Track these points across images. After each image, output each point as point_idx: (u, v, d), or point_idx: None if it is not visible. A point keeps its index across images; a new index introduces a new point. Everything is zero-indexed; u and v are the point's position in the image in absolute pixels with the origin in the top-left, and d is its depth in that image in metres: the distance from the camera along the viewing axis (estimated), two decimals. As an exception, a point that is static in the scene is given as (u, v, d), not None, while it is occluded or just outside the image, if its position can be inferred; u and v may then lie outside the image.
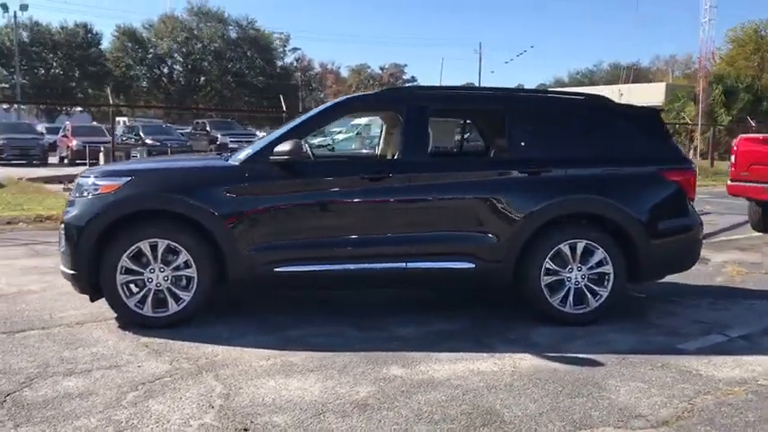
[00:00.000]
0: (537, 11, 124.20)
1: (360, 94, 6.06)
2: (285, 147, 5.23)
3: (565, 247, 5.50)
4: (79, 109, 58.73)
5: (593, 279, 5.59)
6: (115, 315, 5.37)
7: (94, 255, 5.16)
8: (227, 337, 5.10)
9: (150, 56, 60.29)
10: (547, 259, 5.49)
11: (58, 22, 58.14)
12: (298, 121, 5.81)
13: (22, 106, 50.53)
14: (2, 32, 52.99)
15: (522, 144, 5.57)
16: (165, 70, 60.41)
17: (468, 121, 7.27)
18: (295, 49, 68.56)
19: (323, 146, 18.88)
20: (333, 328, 5.38)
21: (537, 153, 5.58)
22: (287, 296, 6.30)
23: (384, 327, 5.45)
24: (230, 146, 29.74)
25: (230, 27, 59.57)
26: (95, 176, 5.44)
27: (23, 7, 50.13)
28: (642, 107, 6.57)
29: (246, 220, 5.22)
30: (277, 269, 5.29)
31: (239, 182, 5.24)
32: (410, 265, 5.40)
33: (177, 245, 5.19)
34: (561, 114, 5.78)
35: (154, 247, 5.19)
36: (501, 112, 5.73)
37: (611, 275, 5.56)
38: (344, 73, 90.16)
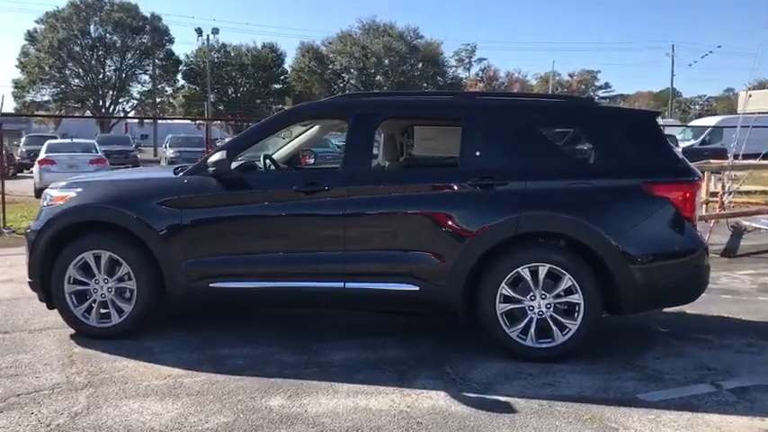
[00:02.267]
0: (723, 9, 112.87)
1: (306, 102, 5.69)
2: (212, 158, 5.05)
3: (525, 272, 4.79)
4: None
5: (561, 309, 4.81)
6: (75, 324, 5.48)
7: (47, 264, 5.30)
8: (154, 351, 5.00)
9: (329, 72, 63.05)
10: (503, 284, 4.80)
11: (245, 43, 62.43)
12: (244, 132, 5.59)
13: (214, 122, 54.96)
14: (196, 55, 58.06)
15: (478, 154, 4.93)
16: (342, 85, 62.82)
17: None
18: (481, 60, 68.44)
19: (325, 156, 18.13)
20: (267, 348, 5.09)
21: (494, 164, 4.90)
22: (251, 312, 6.07)
23: (321, 350, 5.06)
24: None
25: (399, 40, 60.55)
26: (54, 187, 5.61)
27: (215, 31, 54.62)
28: (636, 110, 5.57)
29: (181, 234, 5.09)
30: (212, 284, 5.11)
31: (175, 194, 5.14)
32: (348, 285, 4.97)
33: (118, 256, 5.19)
34: (530, 122, 5.01)
35: (98, 258, 5.22)
36: (457, 120, 5.12)
37: (582, 306, 4.74)
38: (532, 81, 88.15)
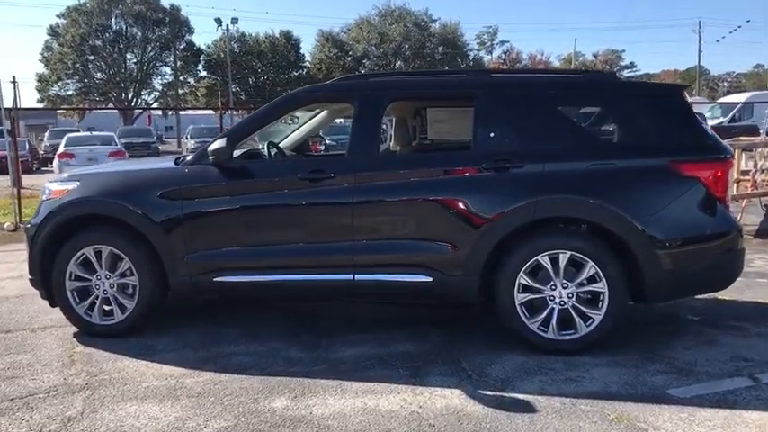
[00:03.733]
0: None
1: (309, 86, 5.40)
2: (212, 147, 4.82)
3: (545, 259, 4.49)
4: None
5: (584, 299, 4.52)
6: (78, 321, 5.30)
7: (47, 260, 5.12)
8: (158, 350, 4.80)
9: (349, 59, 62.63)
10: (521, 273, 4.51)
11: (264, 32, 62.19)
12: (245, 119, 5.32)
13: (234, 112, 55.02)
14: (216, 45, 57.99)
15: (492, 135, 4.63)
16: (362, 71, 62.35)
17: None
18: (503, 42, 67.40)
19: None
20: (275, 345, 4.86)
21: (509, 146, 4.60)
22: (258, 306, 5.83)
23: (331, 346, 4.82)
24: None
25: (416, 24, 59.84)
26: (53, 180, 5.42)
27: (234, 20, 54.45)
28: (662, 84, 5.19)
29: (182, 226, 4.87)
30: (216, 278, 4.88)
31: (176, 185, 4.91)
32: (358, 277, 4.71)
33: (119, 251, 4.99)
34: (547, 99, 4.68)
35: (99, 254, 5.03)
36: (470, 99, 4.82)
37: (606, 295, 4.44)
38: (556, 63, 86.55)
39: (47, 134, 34.45)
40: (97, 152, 18.16)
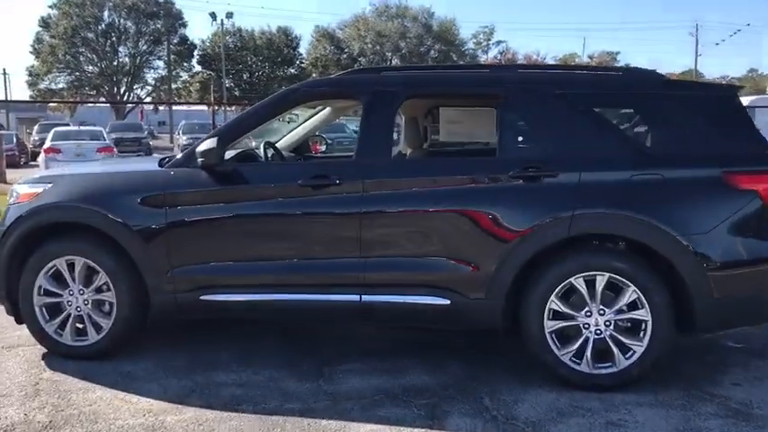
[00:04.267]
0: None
1: (311, 80, 4.78)
2: (200, 147, 4.24)
3: (579, 282, 3.93)
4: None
5: (623, 328, 3.96)
6: (48, 340, 4.70)
7: (13, 272, 4.53)
8: (137, 377, 4.23)
9: (345, 56, 62.00)
10: (552, 297, 3.95)
11: (260, 27, 61.50)
12: (238, 116, 4.72)
13: (229, 108, 54.48)
14: (211, 40, 57.29)
15: (521, 140, 4.08)
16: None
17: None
18: (499, 42, 66.76)
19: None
20: (270, 373, 4.28)
21: (540, 152, 4.05)
22: (253, 324, 5.22)
23: (334, 375, 4.25)
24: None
25: (413, 21, 59.20)
26: (22, 182, 4.83)
27: (229, 15, 53.81)
28: (714, 85, 4.60)
29: (166, 236, 4.29)
30: (204, 297, 4.31)
31: (159, 189, 4.32)
32: (366, 298, 4.15)
33: (94, 264, 4.40)
34: (584, 99, 4.12)
35: (71, 266, 4.45)
36: (495, 98, 4.26)
37: (649, 323, 3.88)
38: (551, 63, 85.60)
39: (36, 128, 33.76)
40: (85, 147, 17.55)
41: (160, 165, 4.62)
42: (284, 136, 5.82)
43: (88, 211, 4.37)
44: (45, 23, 53.00)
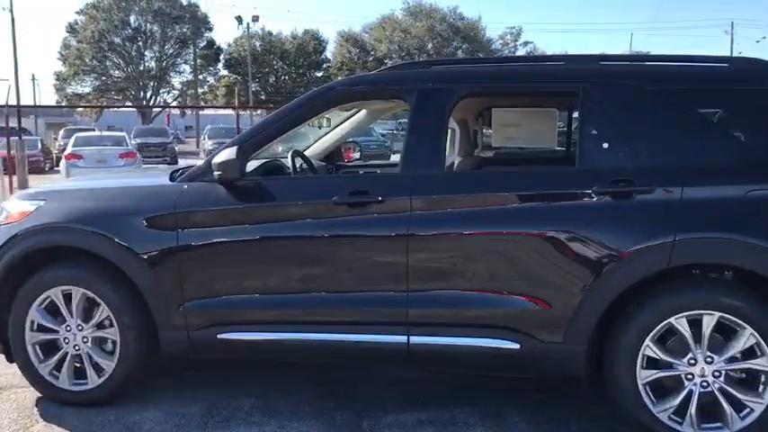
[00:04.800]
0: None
1: (348, 78, 4.03)
2: (217, 159, 3.55)
3: (681, 323, 3.18)
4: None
5: (737, 379, 3.21)
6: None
7: (2, 304, 3.90)
8: (144, 428, 3.57)
9: (371, 59, 61.44)
10: (648, 341, 3.21)
11: (288, 31, 61.19)
12: (262, 121, 4.00)
13: (255, 112, 54.27)
14: (237, 43, 57.05)
15: (606, 147, 3.33)
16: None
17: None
18: (527, 43, 65.62)
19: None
20: (299, 426, 3.58)
21: (630, 161, 3.29)
22: (272, 363, 4.51)
23: (375, 430, 3.53)
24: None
25: (442, 22, 58.50)
26: (13, 198, 4.20)
27: (255, 18, 53.46)
28: None
29: (178, 264, 3.62)
30: (222, 335, 3.63)
31: (169, 208, 3.65)
32: (415, 339, 3.44)
33: (95, 295, 3.75)
34: (682, 96, 3.36)
35: (68, 297, 3.80)
36: (571, 95, 3.52)
37: (772, 375, 3.12)
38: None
39: (61, 132, 33.52)
40: (107, 153, 17.04)
41: (171, 178, 3.95)
42: (313, 142, 5.13)
43: (87, 234, 3.71)
44: (72, 29, 53.07)
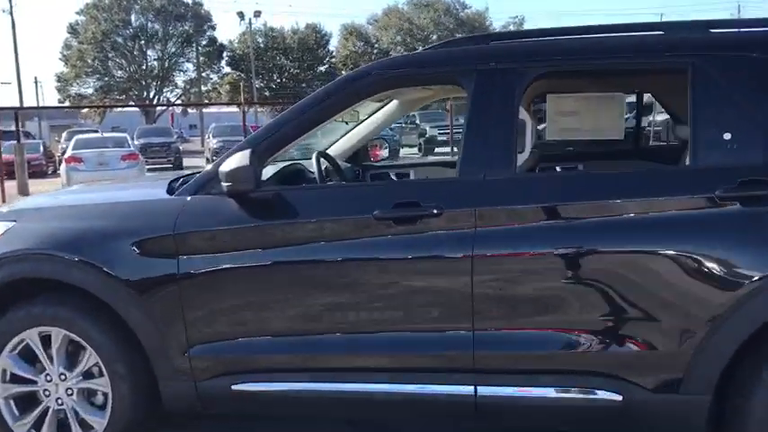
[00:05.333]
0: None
1: (385, 60, 3.25)
2: (226, 166, 2.81)
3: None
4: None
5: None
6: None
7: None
8: None
9: (375, 51, 60.69)
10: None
11: (289, 26, 60.44)
12: (279, 118, 3.22)
13: (260, 108, 53.60)
14: (240, 40, 56.30)
15: (728, 138, 2.57)
16: (390, 60, 60.38)
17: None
18: (532, 32, 64.51)
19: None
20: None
21: (762, 155, 2.54)
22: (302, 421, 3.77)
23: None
24: (438, 138, 27.87)
25: (446, 13, 57.66)
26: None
27: (257, 14, 52.71)
28: None
29: (179, 298, 2.89)
30: (238, 386, 2.90)
31: (167, 229, 2.91)
32: (484, 390, 2.69)
33: (79, 337, 3.03)
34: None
35: (47, 340, 3.08)
36: (677, 72, 2.75)
37: None
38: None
39: (64, 135, 32.89)
40: (108, 156, 16.31)
41: (170, 190, 3.20)
42: (337, 139, 4.39)
43: (68, 263, 2.99)
44: (73, 30, 52.42)
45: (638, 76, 3.54)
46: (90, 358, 3.04)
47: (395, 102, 4.22)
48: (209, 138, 30.08)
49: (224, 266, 2.86)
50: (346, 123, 4.19)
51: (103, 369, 3.02)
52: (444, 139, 27.62)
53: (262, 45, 56.94)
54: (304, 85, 59.30)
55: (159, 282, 2.91)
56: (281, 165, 3.54)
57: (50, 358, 3.08)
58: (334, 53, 60.52)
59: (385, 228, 2.73)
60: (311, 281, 2.82)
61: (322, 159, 3.56)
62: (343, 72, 58.63)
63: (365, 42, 60.42)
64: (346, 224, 2.79)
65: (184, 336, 2.91)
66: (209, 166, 3.11)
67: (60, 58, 52.87)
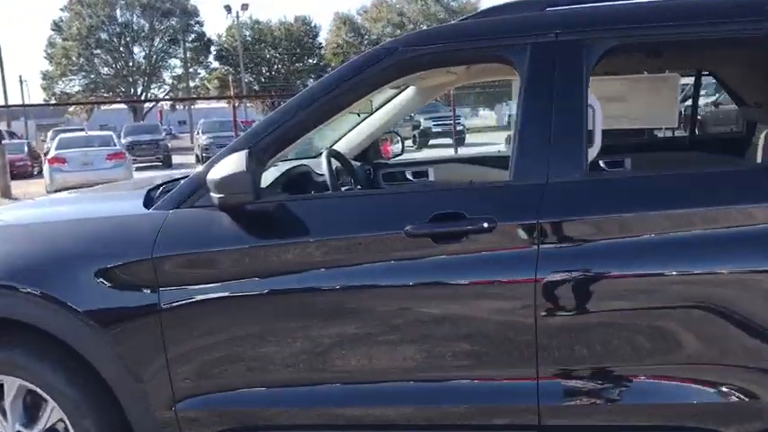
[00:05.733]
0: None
1: (411, 34, 2.60)
2: (217, 172, 2.19)
3: None
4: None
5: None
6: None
7: None
8: None
9: (366, 42, 60.03)
10: None
11: (277, 18, 59.62)
12: (278, 112, 2.48)
13: (249, 103, 52.79)
14: (227, 34, 55.48)
15: None
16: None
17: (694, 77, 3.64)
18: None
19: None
20: None
21: None
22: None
23: None
24: (433, 130, 27.22)
25: (436, 3, 57.01)
26: None
27: (244, 7, 51.71)
28: None
29: (161, 339, 2.29)
30: (236, 447, 2.30)
31: (144, 253, 2.30)
32: (552, 453, 2.12)
33: (39, 388, 2.43)
34: None
35: (-1, 391, 2.48)
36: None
37: None
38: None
39: (49, 134, 32.12)
40: (93, 155, 15.62)
41: (148, 201, 2.59)
42: (344, 134, 3.78)
43: (21, 297, 2.38)
44: (57, 26, 51.47)
45: (723, 49, 2.87)
46: (53, 413, 2.45)
47: (412, 89, 3.63)
48: (198, 134, 29.39)
49: (217, 299, 2.26)
50: (358, 115, 3.59)
51: (69, 427, 2.43)
52: (439, 131, 26.97)
53: (250, 38, 56.16)
54: (293, 77, 58.63)
55: (136, 319, 2.31)
56: (282, 165, 2.93)
57: (3, 412, 2.49)
58: (323, 44, 59.82)
59: (420, 247, 2.14)
60: (325, 315, 2.22)
61: (333, 159, 2.93)
62: (332, 64, 57.92)
63: (356, 33, 59.74)
64: (371, 243, 2.19)
65: (169, 385, 2.31)
66: (197, 169, 2.49)
67: (45, 56, 51.93)
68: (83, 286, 2.32)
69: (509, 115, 34.73)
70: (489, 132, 30.69)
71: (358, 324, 2.21)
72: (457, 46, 2.37)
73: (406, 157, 4.44)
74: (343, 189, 2.70)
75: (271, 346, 2.26)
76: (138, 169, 21.17)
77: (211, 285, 2.26)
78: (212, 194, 2.21)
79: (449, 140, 23.87)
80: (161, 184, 2.90)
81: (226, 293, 2.25)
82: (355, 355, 2.22)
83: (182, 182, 2.54)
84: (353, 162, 3.61)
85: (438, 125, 26.86)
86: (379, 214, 2.26)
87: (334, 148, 3.16)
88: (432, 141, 26.97)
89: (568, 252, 2.07)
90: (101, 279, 2.31)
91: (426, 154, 16.82)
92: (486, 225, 2.08)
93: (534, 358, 2.07)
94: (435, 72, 3.09)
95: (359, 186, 2.85)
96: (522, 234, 2.08)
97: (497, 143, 21.22)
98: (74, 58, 50.81)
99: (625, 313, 2.07)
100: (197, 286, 2.27)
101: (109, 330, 2.31)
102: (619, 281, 2.05)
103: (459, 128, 22.03)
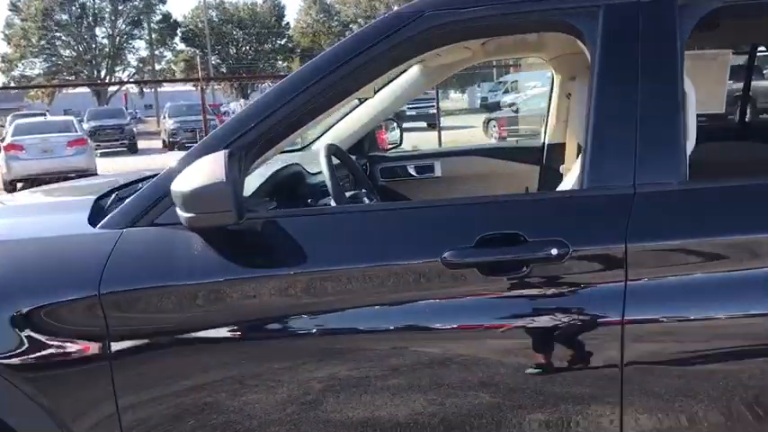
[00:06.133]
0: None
1: None
2: (182, 186, 1.60)
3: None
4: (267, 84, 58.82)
5: None
6: None
7: None
8: None
9: (336, 24, 59.17)
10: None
11: (244, -1, 58.25)
12: (265, 99, 1.85)
13: (216, 86, 51.68)
14: (193, 15, 54.19)
15: None
16: (351, 37, 58.91)
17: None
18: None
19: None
20: None
21: None
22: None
23: None
24: (407, 113, 26.50)
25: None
26: None
27: (210, -15, 50.56)
28: None
29: (114, 406, 1.70)
30: None
31: (90, 287, 1.70)
32: None
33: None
34: None
35: None
36: None
37: None
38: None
39: (8, 119, 30.83)
40: (53, 142, 14.74)
41: (94, 216, 1.97)
42: (337, 123, 3.20)
43: None
44: (14, 6, 49.61)
45: None
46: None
47: (416, 68, 3.05)
48: (164, 118, 28.41)
49: (186, 353, 1.69)
50: (360, 102, 3.00)
51: None
52: (413, 114, 26.28)
53: (216, 19, 54.95)
54: (262, 59, 57.55)
55: (78, 376, 1.73)
56: (270, 166, 2.33)
57: None
58: (290, 25, 58.86)
59: (463, 280, 1.59)
60: (340, 372, 1.66)
61: (335, 157, 2.31)
62: (303, 43, 56.76)
63: (326, 13, 58.82)
64: (395, 275, 1.63)
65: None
66: (159, 174, 1.88)
67: (3, 38, 50.10)
68: (10, 333, 1.72)
69: (481, 98, 34.28)
70: (462, 115, 30.25)
71: (378, 376, 1.64)
72: (503, 9, 1.78)
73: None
74: (347, 195, 2.11)
75: (264, 409, 1.69)
76: (101, 155, 20.28)
77: (174, 335, 1.67)
78: (180, 212, 1.62)
79: (422, 124, 23.32)
80: (115, 189, 2.29)
81: (195, 344, 1.67)
82: (375, 412, 1.65)
83: (139, 187, 1.94)
84: (360, 160, 3.05)
85: (412, 108, 26.17)
86: (408, 236, 1.68)
87: (335, 145, 2.52)
88: (405, 125, 26.35)
89: (667, 287, 1.53)
90: (32, 321, 1.71)
91: (409, 140, 16.21)
92: (554, 252, 1.53)
93: (619, 415, 1.54)
94: (452, 47, 2.51)
95: (363, 190, 2.26)
96: (605, 262, 1.54)
97: (475, 126, 20.77)
98: (33, 40, 49.11)
99: (745, 367, 1.54)
100: (154, 336, 1.68)
101: (42, 391, 1.72)
102: (738, 325, 1.52)
103: (432, 111, 21.36)
